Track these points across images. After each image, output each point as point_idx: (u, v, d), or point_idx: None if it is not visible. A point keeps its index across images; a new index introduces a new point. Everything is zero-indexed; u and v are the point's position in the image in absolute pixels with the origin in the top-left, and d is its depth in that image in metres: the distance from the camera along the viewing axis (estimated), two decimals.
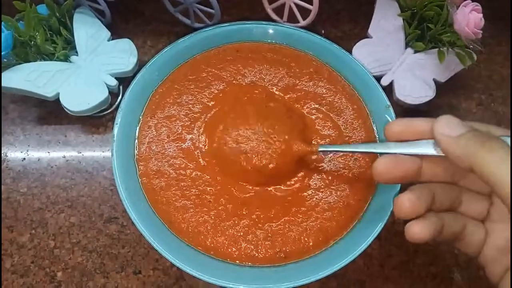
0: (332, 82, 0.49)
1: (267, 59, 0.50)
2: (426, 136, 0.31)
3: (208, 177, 0.43)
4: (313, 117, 0.47)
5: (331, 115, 0.47)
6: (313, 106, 0.48)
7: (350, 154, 0.45)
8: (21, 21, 0.46)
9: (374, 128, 0.47)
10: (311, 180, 0.44)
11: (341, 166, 0.45)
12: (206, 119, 0.46)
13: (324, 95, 0.49)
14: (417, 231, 0.30)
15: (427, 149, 0.31)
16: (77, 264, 0.42)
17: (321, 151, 0.41)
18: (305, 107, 0.48)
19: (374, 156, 0.44)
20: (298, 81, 0.49)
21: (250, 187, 0.43)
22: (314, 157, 0.45)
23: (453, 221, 0.32)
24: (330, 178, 0.44)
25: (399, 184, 0.42)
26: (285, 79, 0.49)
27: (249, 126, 0.43)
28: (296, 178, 0.44)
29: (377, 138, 0.46)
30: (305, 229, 0.41)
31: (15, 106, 0.49)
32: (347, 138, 0.46)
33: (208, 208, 0.42)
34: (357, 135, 0.47)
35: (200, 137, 0.45)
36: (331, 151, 0.45)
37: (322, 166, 0.45)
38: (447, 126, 0.29)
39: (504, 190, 0.24)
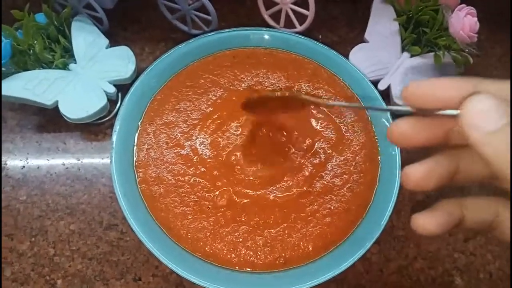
0: (331, 84, 0.50)
1: (264, 64, 0.51)
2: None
3: (207, 183, 0.43)
4: (315, 121, 0.48)
5: (333, 116, 0.48)
6: (313, 106, 0.48)
7: (351, 159, 0.45)
8: (19, 30, 0.47)
9: (375, 132, 0.47)
10: (312, 187, 0.44)
11: (341, 171, 0.45)
12: (205, 125, 0.46)
13: (323, 97, 0.49)
14: (421, 223, 0.26)
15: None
16: (77, 272, 0.42)
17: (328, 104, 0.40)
18: (305, 108, 0.48)
19: (375, 157, 0.45)
20: (296, 84, 0.49)
21: (250, 193, 0.43)
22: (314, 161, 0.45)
23: (481, 209, 0.27)
24: (330, 184, 0.44)
25: (398, 188, 0.42)
26: (283, 82, 0.49)
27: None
28: (297, 185, 0.44)
29: (378, 142, 0.47)
30: (305, 235, 0.42)
31: (14, 114, 0.50)
32: (348, 142, 0.46)
33: (207, 215, 0.42)
34: (358, 139, 0.47)
35: (198, 144, 0.45)
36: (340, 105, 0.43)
37: (322, 171, 0.45)
38: (480, 114, 0.22)
39: None
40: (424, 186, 0.26)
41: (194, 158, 0.44)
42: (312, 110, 0.48)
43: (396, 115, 0.47)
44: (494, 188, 0.26)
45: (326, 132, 0.47)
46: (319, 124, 0.47)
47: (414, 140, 0.26)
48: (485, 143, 0.21)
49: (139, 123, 0.46)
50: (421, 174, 0.26)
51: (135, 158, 0.44)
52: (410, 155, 0.48)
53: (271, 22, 0.54)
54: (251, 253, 0.40)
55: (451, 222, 0.26)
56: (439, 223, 0.26)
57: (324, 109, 0.48)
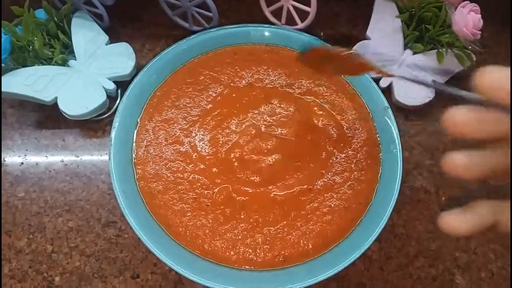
0: (332, 81, 0.49)
1: (265, 61, 0.50)
2: None
3: (206, 180, 0.43)
4: (316, 118, 0.47)
5: (334, 113, 0.47)
6: (315, 103, 0.48)
7: (352, 156, 0.45)
8: (19, 26, 0.47)
9: (376, 130, 0.47)
10: (312, 184, 0.43)
11: (342, 168, 0.44)
12: (204, 122, 0.46)
13: (324, 94, 0.48)
14: (451, 223, 0.24)
15: None
16: (75, 269, 0.42)
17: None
18: (307, 103, 0.48)
19: (376, 154, 0.44)
20: (297, 81, 0.49)
21: (249, 191, 0.43)
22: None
23: None
24: (331, 181, 0.44)
25: (399, 185, 0.42)
26: (284, 79, 0.49)
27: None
28: (298, 182, 0.43)
29: (379, 140, 0.46)
30: (305, 232, 0.41)
31: (13, 110, 0.49)
32: (349, 139, 0.46)
33: (206, 212, 0.41)
34: (359, 136, 0.46)
35: (198, 141, 0.45)
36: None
37: (323, 169, 0.44)
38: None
39: None
40: (466, 175, 0.23)
41: (193, 155, 0.44)
42: (314, 107, 0.47)
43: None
44: None
45: (327, 129, 0.46)
46: (320, 121, 0.47)
47: (476, 132, 0.23)
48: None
49: (138, 120, 0.46)
50: (466, 160, 0.23)
51: (134, 155, 0.44)
52: (411, 154, 0.48)
53: (272, 18, 0.53)
54: (250, 250, 0.40)
55: (483, 225, 0.24)
56: (469, 225, 0.24)
57: (325, 106, 0.48)
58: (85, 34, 0.50)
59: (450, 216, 0.25)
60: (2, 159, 0.47)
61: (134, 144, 0.44)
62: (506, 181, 0.24)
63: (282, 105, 0.47)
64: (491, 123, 0.23)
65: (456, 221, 0.24)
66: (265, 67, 0.50)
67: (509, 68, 0.22)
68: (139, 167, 0.43)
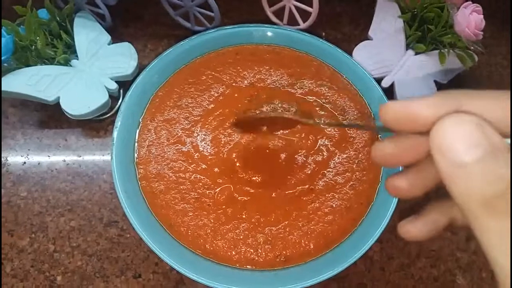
0: (334, 82, 0.49)
1: (267, 61, 0.50)
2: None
3: (208, 180, 0.43)
4: (315, 117, 0.47)
5: (335, 113, 0.47)
6: (317, 103, 0.48)
7: (354, 156, 0.45)
8: (21, 26, 0.47)
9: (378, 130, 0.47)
10: (314, 184, 0.43)
11: (344, 169, 0.44)
12: (206, 122, 0.46)
13: (326, 94, 0.48)
14: (406, 230, 0.26)
15: None
16: (76, 268, 0.42)
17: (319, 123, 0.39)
18: (308, 103, 0.48)
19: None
20: (299, 81, 0.49)
21: (251, 190, 0.43)
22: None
23: None
24: (332, 182, 0.44)
25: None
26: (286, 79, 0.49)
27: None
28: (299, 182, 0.43)
29: (381, 140, 0.46)
30: (306, 233, 0.41)
31: (15, 110, 0.50)
32: (351, 139, 0.46)
33: (208, 212, 0.41)
34: (361, 136, 0.46)
35: (200, 141, 0.45)
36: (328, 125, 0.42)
37: (325, 169, 0.44)
38: (449, 140, 0.19)
39: (503, 277, 0.18)
40: (410, 195, 0.25)
41: (195, 155, 0.44)
42: (316, 108, 0.48)
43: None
44: None
45: (329, 130, 0.46)
46: (321, 121, 0.47)
47: (398, 161, 0.24)
48: (453, 178, 0.19)
49: (140, 120, 0.46)
50: (406, 183, 0.25)
51: (135, 155, 0.44)
52: None
53: (274, 19, 0.53)
54: (252, 250, 0.40)
55: (439, 227, 0.25)
56: (426, 230, 0.25)
57: (327, 106, 0.48)
58: (88, 34, 0.50)
59: (408, 224, 0.26)
60: (4, 159, 0.47)
61: (136, 144, 0.45)
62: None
63: (284, 105, 0.47)
64: (414, 148, 0.23)
65: (414, 229, 0.25)
66: (267, 67, 0.50)
67: (403, 100, 0.22)
68: (141, 167, 0.43)
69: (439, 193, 0.24)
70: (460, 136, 0.19)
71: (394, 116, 0.22)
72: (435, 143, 0.19)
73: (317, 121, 0.38)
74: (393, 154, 0.24)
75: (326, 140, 0.46)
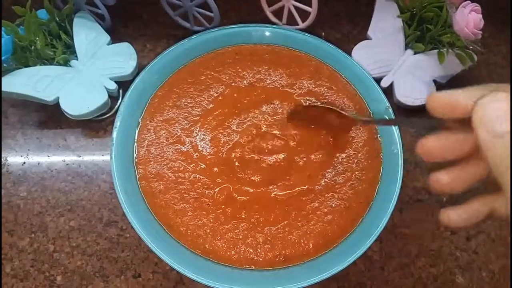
0: (333, 82, 0.49)
1: (266, 61, 0.50)
2: None
3: (207, 180, 0.43)
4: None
5: None
6: (315, 104, 0.48)
7: (353, 156, 0.45)
8: (21, 26, 0.47)
9: (377, 130, 0.47)
10: (313, 184, 0.44)
11: (343, 169, 0.44)
12: (205, 122, 0.46)
13: (325, 94, 0.48)
14: (448, 218, 0.28)
15: None
16: (76, 268, 0.42)
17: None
18: (307, 104, 0.48)
19: (377, 154, 0.44)
20: (298, 81, 0.49)
21: (250, 190, 0.43)
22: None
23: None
24: (332, 181, 0.44)
25: (400, 185, 0.42)
26: (285, 79, 0.49)
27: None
28: (299, 182, 0.43)
29: (380, 140, 0.46)
30: (305, 232, 0.41)
31: (15, 110, 0.50)
32: (350, 139, 0.46)
33: (207, 212, 0.42)
34: (360, 136, 0.46)
35: (199, 140, 0.45)
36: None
37: (324, 169, 0.44)
38: (492, 113, 0.22)
39: None
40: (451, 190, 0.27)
41: (195, 155, 0.44)
42: (315, 108, 0.48)
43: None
44: None
45: (328, 130, 0.46)
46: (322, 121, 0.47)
47: (442, 155, 0.27)
48: (490, 146, 0.22)
49: (140, 120, 0.46)
50: (448, 178, 0.27)
51: (135, 155, 0.44)
52: (412, 154, 0.48)
53: (273, 18, 0.53)
54: (251, 250, 0.40)
55: (479, 217, 0.27)
56: (464, 217, 0.27)
57: (325, 106, 0.47)
58: (87, 34, 0.50)
59: (449, 211, 0.28)
60: (4, 159, 0.47)
61: (135, 144, 0.45)
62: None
63: (283, 105, 0.47)
64: (457, 144, 0.27)
65: (455, 215, 0.27)
66: (266, 67, 0.50)
67: (449, 90, 0.26)
68: (140, 167, 0.43)
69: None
70: (498, 110, 0.22)
71: (440, 104, 0.26)
72: (477, 116, 0.23)
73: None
74: (438, 148, 0.27)
75: (325, 140, 0.46)
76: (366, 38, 0.52)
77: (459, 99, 0.25)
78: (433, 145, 0.27)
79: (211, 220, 0.41)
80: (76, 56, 0.49)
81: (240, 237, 0.41)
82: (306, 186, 0.43)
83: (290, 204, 0.42)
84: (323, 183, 0.43)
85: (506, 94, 0.22)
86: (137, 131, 0.45)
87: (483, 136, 0.23)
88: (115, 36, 0.51)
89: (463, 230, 0.44)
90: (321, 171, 0.44)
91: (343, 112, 0.41)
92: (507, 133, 0.21)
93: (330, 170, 0.44)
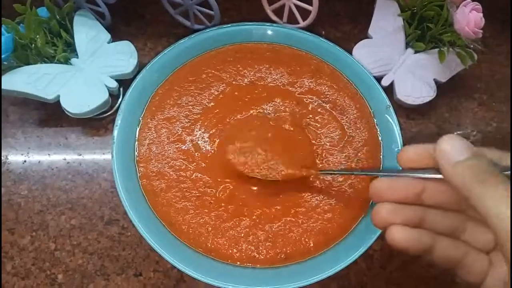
0: (334, 80, 0.49)
1: (267, 59, 0.50)
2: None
3: (209, 178, 0.43)
4: (318, 117, 0.47)
5: (334, 113, 0.47)
6: (316, 103, 0.48)
7: (353, 155, 0.45)
8: (21, 24, 0.46)
9: (377, 129, 0.47)
10: (314, 182, 0.44)
11: (344, 167, 0.44)
12: (206, 121, 0.46)
13: (326, 93, 0.48)
14: (394, 234, 0.29)
15: (428, 172, 0.30)
16: (77, 266, 0.42)
17: (322, 172, 0.42)
18: (308, 103, 0.48)
19: (378, 153, 0.45)
20: (299, 79, 0.49)
21: (251, 188, 0.43)
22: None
23: (452, 247, 0.30)
24: (332, 179, 0.44)
25: None
26: (286, 78, 0.49)
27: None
28: (299, 180, 0.43)
29: (380, 139, 0.46)
30: (306, 230, 0.41)
31: (15, 108, 0.49)
32: (350, 139, 0.46)
33: (209, 210, 0.42)
34: (360, 135, 0.46)
35: (200, 139, 0.45)
36: (331, 174, 0.44)
37: (324, 167, 0.44)
38: (448, 149, 0.27)
39: (502, 228, 0.23)
40: (391, 222, 0.30)
41: (196, 153, 0.44)
42: (315, 108, 0.48)
43: None
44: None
45: (328, 129, 0.46)
46: (321, 121, 0.47)
47: (389, 197, 0.31)
48: (453, 172, 0.26)
49: (141, 118, 0.46)
50: (389, 209, 0.30)
51: (136, 153, 0.44)
52: None
53: (274, 17, 0.53)
54: (253, 248, 0.40)
55: (421, 244, 0.29)
56: (409, 239, 0.29)
57: (326, 106, 0.48)
58: (87, 32, 0.50)
59: (392, 228, 0.30)
60: (5, 157, 0.47)
61: (136, 142, 0.45)
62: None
63: (284, 104, 0.47)
64: (401, 189, 0.31)
65: (401, 232, 0.29)
66: (267, 66, 0.50)
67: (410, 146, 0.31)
68: (141, 165, 0.43)
69: None
70: (456, 144, 0.27)
71: (413, 155, 0.31)
72: (439, 153, 0.28)
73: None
74: (387, 191, 0.31)
75: (326, 139, 0.46)
76: (366, 37, 0.52)
77: (429, 148, 0.29)
78: (382, 186, 0.31)
79: (213, 218, 0.41)
80: (77, 54, 0.49)
81: (242, 235, 0.41)
82: (307, 183, 0.43)
83: (290, 202, 0.43)
84: (323, 181, 0.44)
85: (450, 135, 0.28)
86: (138, 129, 0.45)
87: (446, 166, 0.27)
88: (116, 35, 0.51)
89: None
90: (322, 169, 0.44)
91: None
92: (465, 160, 0.26)
93: (330, 169, 0.44)
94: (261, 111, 0.47)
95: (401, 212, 0.30)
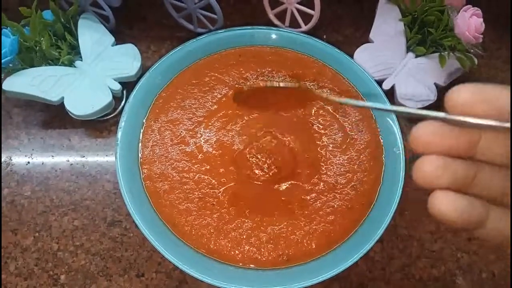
0: (336, 83, 0.50)
1: (269, 62, 0.51)
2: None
3: (212, 180, 0.43)
4: (320, 119, 0.48)
5: (337, 115, 0.48)
6: (318, 105, 0.48)
7: (355, 158, 0.45)
8: (26, 27, 0.47)
9: (379, 131, 0.47)
10: (316, 185, 0.44)
11: (345, 170, 0.45)
12: (209, 123, 0.46)
13: (329, 95, 0.49)
14: (442, 203, 0.23)
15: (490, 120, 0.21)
16: (80, 267, 0.42)
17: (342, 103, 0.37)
18: (310, 105, 0.48)
19: (379, 156, 0.45)
20: (301, 82, 0.49)
21: (254, 190, 0.43)
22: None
23: (506, 222, 0.24)
24: (334, 182, 0.44)
25: (401, 187, 0.42)
26: (288, 81, 0.50)
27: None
28: (302, 183, 0.44)
29: (382, 142, 0.47)
30: (308, 232, 0.42)
31: (19, 110, 0.50)
32: (352, 141, 0.47)
33: (211, 211, 0.42)
34: (362, 138, 0.47)
35: (203, 141, 0.45)
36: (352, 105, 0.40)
37: (327, 169, 0.45)
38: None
39: None
40: (437, 179, 0.23)
41: (199, 155, 0.45)
42: (318, 110, 0.48)
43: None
44: None
45: (331, 131, 0.47)
46: (324, 123, 0.47)
47: (438, 146, 0.23)
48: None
49: (144, 120, 0.46)
50: (437, 164, 0.23)
51: (139, 155, 0.44)
52: (416, 157, 0.49)
53: (276, 21, 0.54)
54: (255, 249, 0.40)
55: (473, 216, 0.23)
56: (460, 209, 0.23)
57: (329, 108, 0.48)
58: (92, 35, 0.50)
59: (441, 195, 0.23)
60: (9, 158, 0.47)
61: (140, 144, 0.45)
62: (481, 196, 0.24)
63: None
64: (452, 137, 0.23)
65: (449, 201, 0.23)
66: (269, 69, 0.50)
67: (476, 84, 0.22)
68: (145, 167, 0.44)
69: None
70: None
71: (470, 97, 0.22)
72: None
73: (337, 99, 0.33)
74: (435, 137, 0.23)
75: (328, 141, 0.46)
76: (368, 41, 0.53)
77: (497, 95, 0.21)
78: (429, 131, 0.23)
79: (215, 220, 0.41)
80: (81, 57, 0.49)
81: (244, 236, 0.41)
82: (309, 186, 0.44)
83: (293, 204, 0.43)
84: (325, 184, 0.44)
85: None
86: (141, 131, 0.46)
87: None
88: (120, 38, 0.52)
89: (464, 232, 0.45)
90: (324, 172, 0.44)
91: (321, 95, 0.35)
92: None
93: (332, 171, 0.45)
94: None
95: (452, 168, 0.23)
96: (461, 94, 0.22)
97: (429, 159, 0.23)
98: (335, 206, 0.43)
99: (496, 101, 0.21)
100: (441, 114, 0.23)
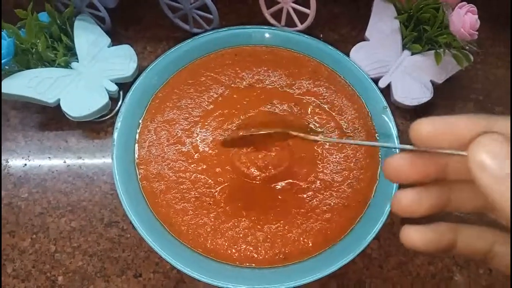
0: (332, 82, 0.50)
1: (265, 62, 0.51)
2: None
3: (208, 179, 0.43)
4: (316, 117, 0.48)
5: (333, 114, 0.48)
6: (315, 103, 0.48)
7: (351, 155, 0.46)
8: (22, 29, 0.47)
9: (375, 129, 0.47)
10: (312, 183, 0.44)
11: (342, 167, 0.45)
12: (205, 123, 0.47)
13: (324, 94, 0.49)
14: (410, 235, 0.25)
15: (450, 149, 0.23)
16: (77, 268, 0.42)
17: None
18: (306, 103, 0.48)
19: (375, 154, 0.45)
20: (297, 81, 0.50)
21: (250, 189, 0.43)
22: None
23: (476, 237, 0.26)
24: (330, 179, 0.44)
25: (398, 185, 0.42)
26: (284, 80, 0.50)
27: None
28: (298, 181, 0.44)
29: (378, 139, 0.47)
30: (305, 230, 0.42)
31: (16, 112, 0.50)
32: (348, 139, 0.47)
33: (208, 211, 0.42)
34: (358, 136, 0.47)
35: (199, 141, 0.45)
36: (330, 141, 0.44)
37: (323, 167, 0.45)
38: (489, 156, 0.20)
39: None
40: (414, 212, 0.25)
41: (195, 155, 0.45)
42: (314, 109, 0.48)
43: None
44: (489, 219, 0.25)
45: (327, 129, 0.47)
46: (320, 121, 0.47)
47: (410, 176, 0.25)
48: (493, 187, 0.20)
49: (140, 121, 0.46)
50: (412, 198, 0.25)
51: (136, 155, 0.44)
52: None
53: (272, 20, 0.54)
54: (252, 248, 0.41)
55: (441, 243, 0.25)
56: (428, 240, 0.25)
57: (325, 106, 0.48)
58: (88, 36, 0.50)
59: (411, 228, 0.25)
60: (5, 161, 0.47)
61: (136, 144, 0.45)
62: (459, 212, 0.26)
63: (282, 106, 0.48)
64: (423, 165, 0.25)
65: (416, 233, 0.25)
66: (265, 68, 0.50)
67: (439, 117, 0.23)
68: (141, 167, 0.44)
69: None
70: (499, 152, 0.20)
71: (432, 131, 0.23)
72: (476, 160, 0.20)
73: (319, 138, 0.37)
74: (407, 168, 0.25)
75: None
76: (364, 39, 0.53)
77: (458, 125, 0.22)
78: (400, 162, 0.25)
79: (212, 219, 0.42)
80: (77, 58, 0.49)
81: (241, 235, 0.41)
82: (305, 184, 0.44)
83: (289, 202, 0.43)
84: (321, 182, 0.44)
85: (502, 136, 0.21)
86: (138, 132, 0.46)
87: (486, 180, 0.20)
88: (116, 38, 0.52)
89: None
90: (320, 170, 0.44)
91: (301, 135, 0.36)
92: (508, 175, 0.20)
93: (328, 169, 0.45)
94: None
95: (427, 197, 0.25)
96: (423, 127, 0.23)
97: (404, 194, 0.25)
98: (332, 204, 0.43)
99: (456, 130, 0.22)
100: (408, 147, 0.25)
